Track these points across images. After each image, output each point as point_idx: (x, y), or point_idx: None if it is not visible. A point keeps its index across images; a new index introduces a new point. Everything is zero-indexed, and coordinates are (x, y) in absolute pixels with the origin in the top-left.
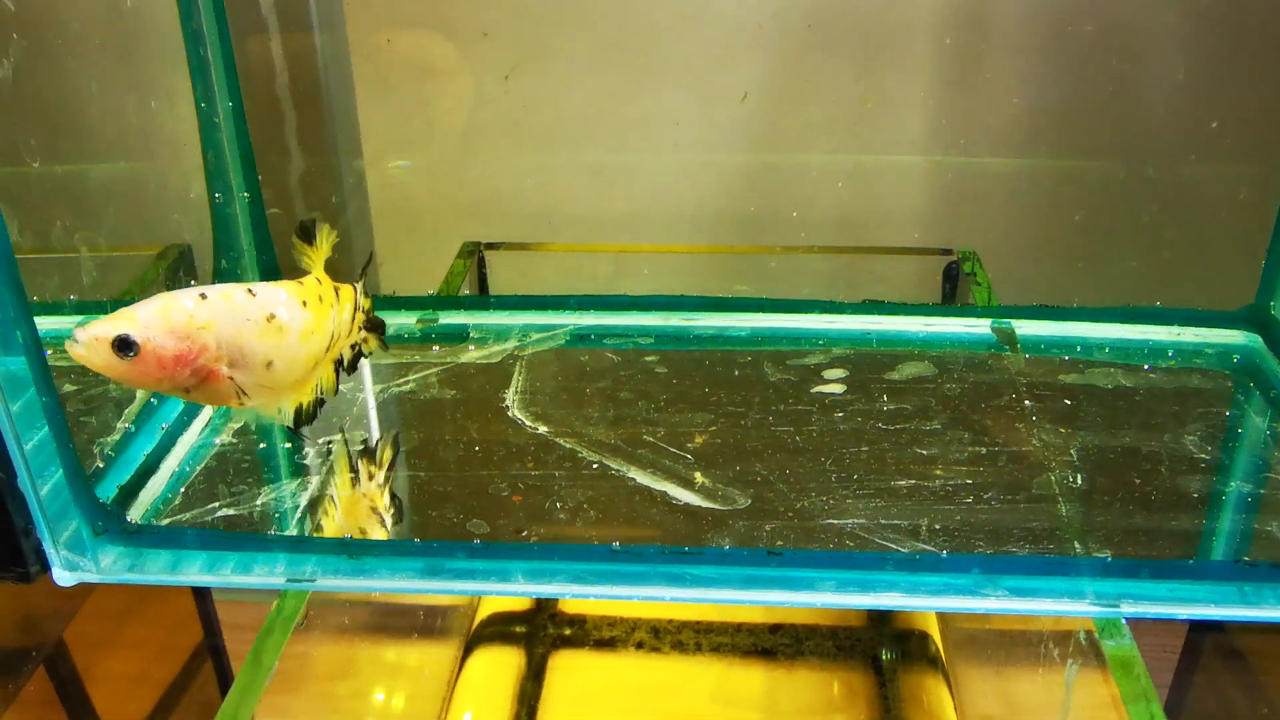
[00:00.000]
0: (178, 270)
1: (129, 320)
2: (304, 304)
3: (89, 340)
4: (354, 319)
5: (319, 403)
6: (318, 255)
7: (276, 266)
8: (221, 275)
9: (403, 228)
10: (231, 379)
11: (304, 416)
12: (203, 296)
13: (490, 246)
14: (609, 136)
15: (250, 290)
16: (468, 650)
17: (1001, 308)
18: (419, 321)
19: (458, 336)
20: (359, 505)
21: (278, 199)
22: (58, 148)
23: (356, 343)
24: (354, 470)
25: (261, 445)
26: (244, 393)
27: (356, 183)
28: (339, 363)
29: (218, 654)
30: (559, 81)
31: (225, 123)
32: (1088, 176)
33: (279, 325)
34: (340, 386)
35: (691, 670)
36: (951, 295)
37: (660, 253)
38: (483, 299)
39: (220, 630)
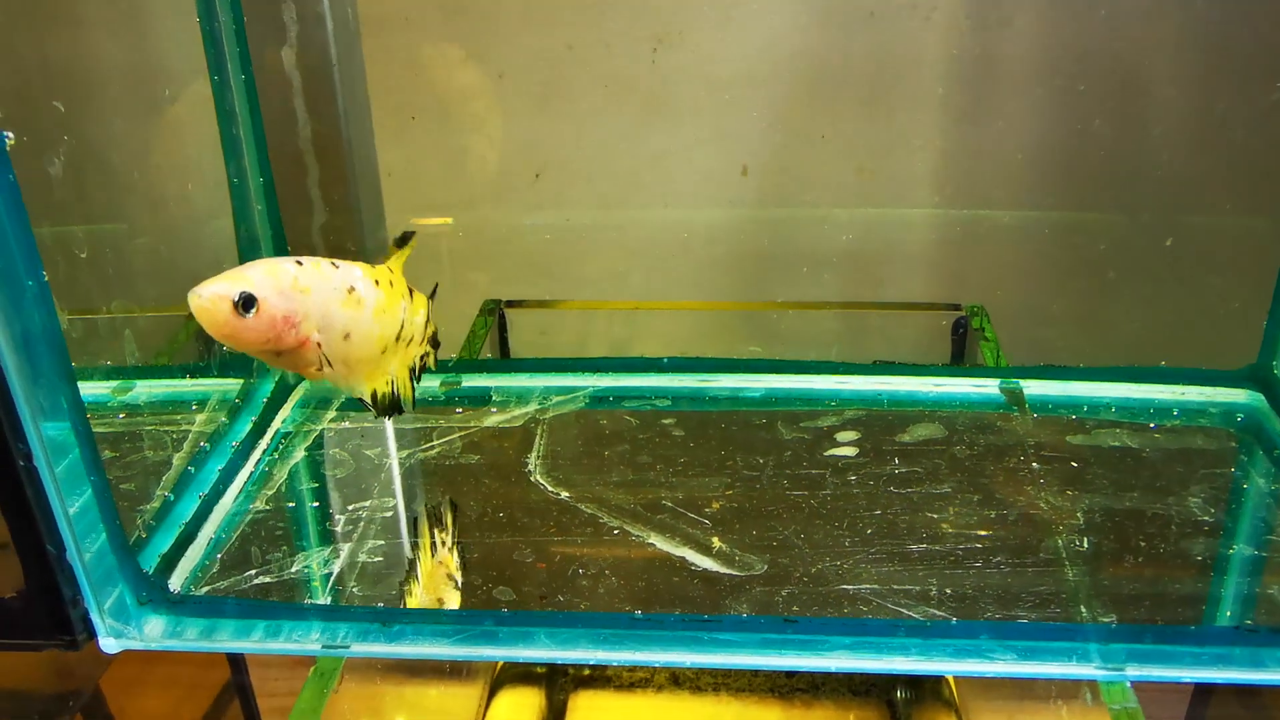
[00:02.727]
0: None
1: (246, 280)
2: (376, 283)
3: (212, 296)
4: (426, 325)
5: (396, 399)
6: (399, 256)
7: None
8: None
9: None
10: (319, 345)
11: (380, 403)
12: (299, 263)
13: (511, 304)
14: (615, 186)
15: (333, 263)
16: (492, 692)
17: (1009, 368)
18: (443, 384)
19: (480, 399)
20: (438, 573)
21: None
22: (95, 215)
23: (425, 353)
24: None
25: (292, 509)
26: (327, 362)
27: (378, 245)
28: (413, 372)
29: (244, 691)
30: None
31: (256, 197)
32: (1095, 229)
33: (357, 298)
34: (368, 452)
35: (710, 710)
36: (960, 350)
37: (674, 309)
38: (504, 362)
39: (247, 668)
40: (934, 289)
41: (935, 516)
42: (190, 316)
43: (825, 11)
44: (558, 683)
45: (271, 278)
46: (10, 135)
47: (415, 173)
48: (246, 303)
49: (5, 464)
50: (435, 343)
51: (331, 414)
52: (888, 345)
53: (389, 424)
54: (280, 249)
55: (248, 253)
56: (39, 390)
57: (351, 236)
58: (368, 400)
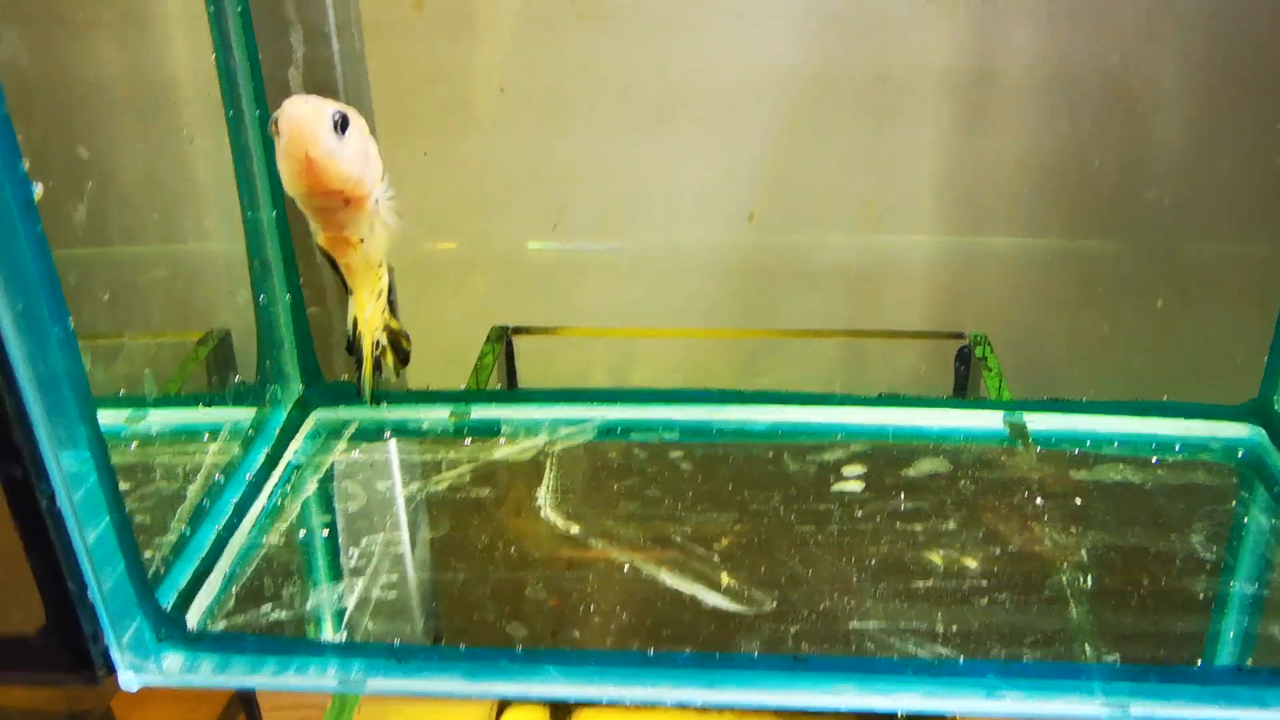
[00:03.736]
0: (219, 356)
1: (336, 105)
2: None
3: (312, 108)
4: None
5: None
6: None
7: (317, 365)
8: (265, 375)
9: (431, 311)
10: (377, 204)
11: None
12: None
13: (518, 331)
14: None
15: None
16: (500, 709)
17: (1013, 401)
18: (452, 415)
19: (490, 430)
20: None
21: (315, 297)
22: (110, 242)
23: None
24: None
25: (306, 542)
26: (361, 239)
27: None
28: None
29: (249, 703)
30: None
31: (269, 231)
32: (1097, 256)
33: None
34: (379, 485)
35: None
36: (964, 379)
37: (678, 337)
38: (513, 393)
39: None
40: (937, 315)
41: (941, 553)
42: (201, 341)
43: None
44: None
45: (354, 114)
46: (40, 187)
47: (421, 191)
48: (343, 122)
49: (29, 504)
50: (397, 346)
51: (342, 445)
52: (891, 373)
53: (394, 454)
54: (292, 279)
55: (260, 284)
56: (60, 429)
57: None
58: (361, 317)
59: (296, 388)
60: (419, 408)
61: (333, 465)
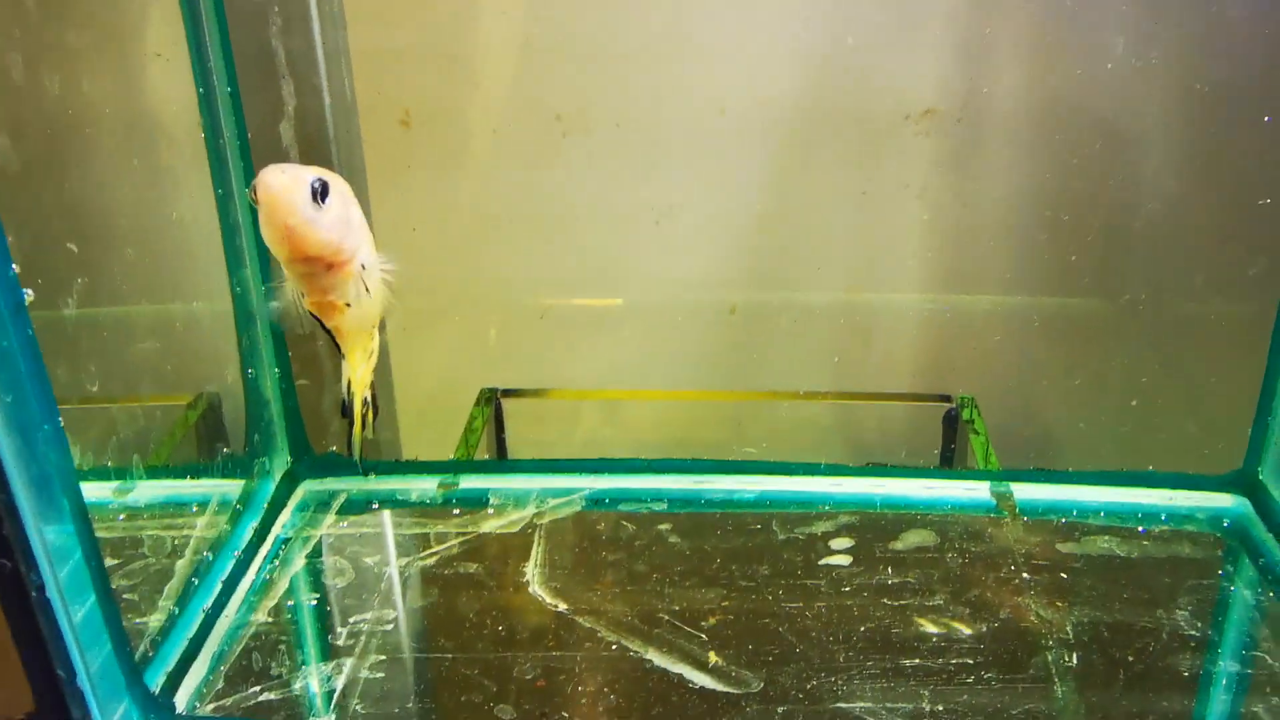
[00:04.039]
0: (209, 420)
1: (314, 172)
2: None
3: (293, 177)
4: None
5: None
6: None
7: (305, 438)
8: (254, 447)
9: (425, 375)
10: (362, 269)
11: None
12: None
13: (507, 393)
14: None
15: None
16: None
17: (1000, 471)
18: (440, 486)
19: (478, 501)
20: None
21: (304, 370)
22: (102, 326)
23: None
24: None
25: (294, 621)
26: (364, 288)
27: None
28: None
29: None
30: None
31: (259, 306)
32: (1082, 314)
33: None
34: (368, 560)
35: None
36: (950, 443)
37: (666, 400)
38: (501, 463)
39: None
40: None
41: (928, 630)
42: (191, 405)
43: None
44: None
45: (336, 180)
46: (30, 292)
47: (414, 253)
48: (322, 191)
49: (18, 594)
50: (375, 407)
51: (331, 518)
52: (880, 435)
53: (382, 528)
54: (281, 355)
55: (249, 359)
56: (49, 525)
57: None
58: (354, 378)
59: (285, 460)
60: (407, 478)
61: (321, 539)
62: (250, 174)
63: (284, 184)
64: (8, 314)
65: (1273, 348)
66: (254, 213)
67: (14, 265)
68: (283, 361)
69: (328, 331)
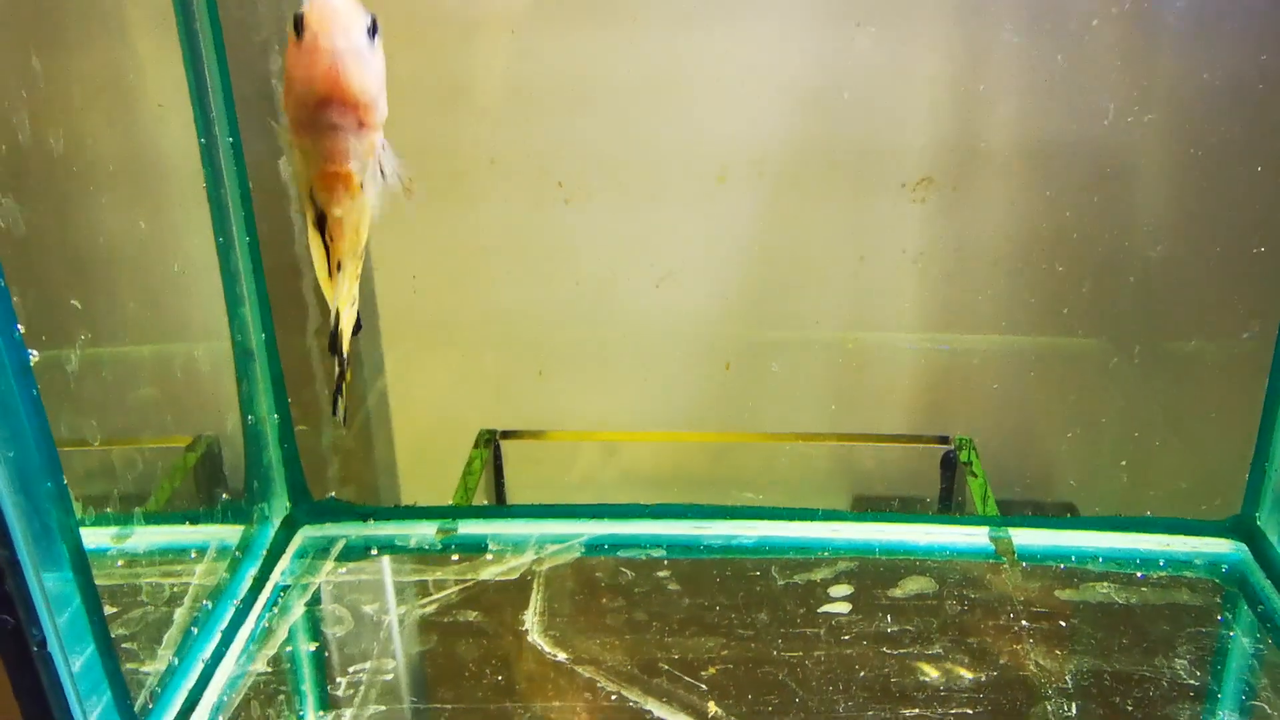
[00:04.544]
0: (208, 462)
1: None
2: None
3: (349, 4)
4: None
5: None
6: None
7: (304, 483)
8: (253, 493)
9: (423, 415)
10: (383, 150)
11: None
12: None
13: (506, 435)
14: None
15: None
16: None
17: (998, 517)
18: (439, 532)
19: (477, 547)
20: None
21: (303, 416)
22: (103, 369)
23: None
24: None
25: (293, 670)
26: (380, 172)
27: (379, 398)
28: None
29: None
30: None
31: (259, 353)
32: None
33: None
34: (367, 608)
35: None
36: (949, 485)
37: (664, 440)
38: (500, 509)
39: None
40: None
41: (927, 680)
42: (190, 447)
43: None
44: None
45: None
46: (35, 353)
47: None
48: (374, 28)
49: (20, 649)
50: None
51: (330, 564)
52: (879, 476)
53: (381, 575)
54: (281, 402)
55: (248, 406)
56: (49, 573)
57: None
58: (343, 303)
59: (284, 505)
60: (406, 523)
61: (320, 586)
62: (251, 221)
63: (341, 6)
64: (14, 375)
65: (1269, 395)
66: (256, 271)
67: (20, 325)
68: (282, 408)
69: (323, 238)
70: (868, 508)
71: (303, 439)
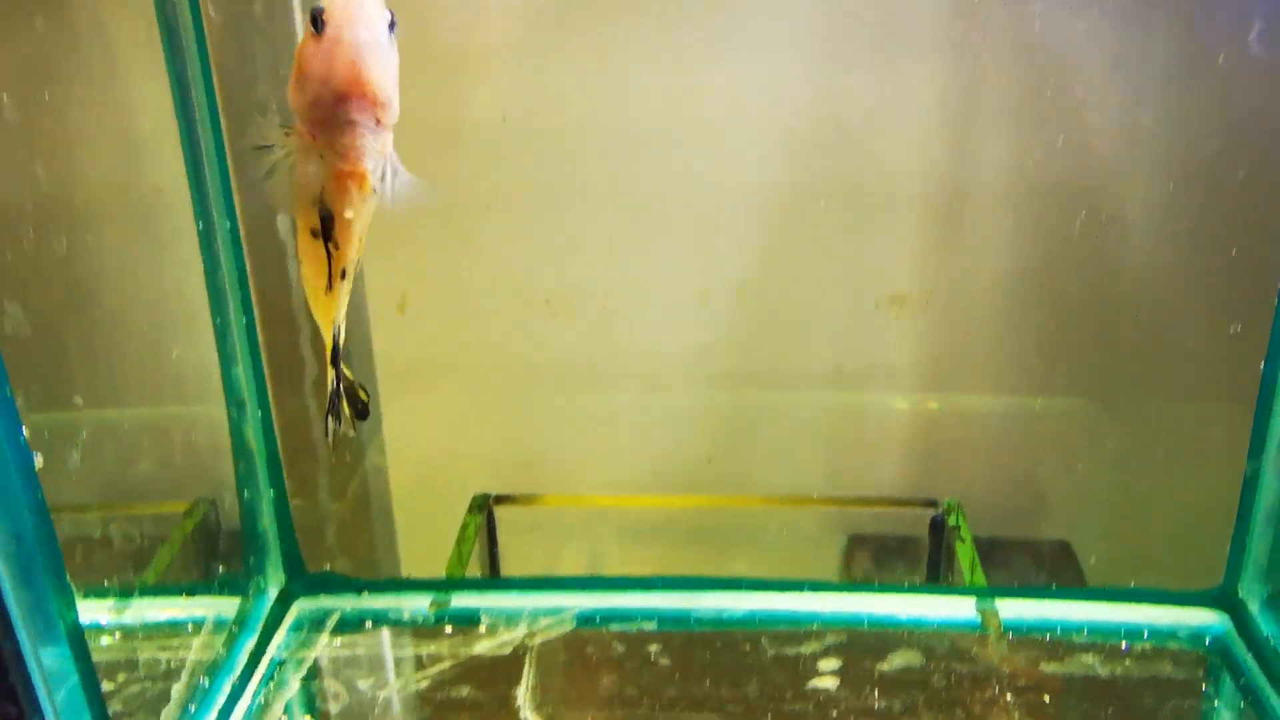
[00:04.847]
0: (205, 529)
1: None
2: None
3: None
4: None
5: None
6: None
7: (300, 557)
8: (249, 567)
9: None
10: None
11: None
12: None
13: (499, 500)
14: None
15: None
16: None
17: (985, 588)
18: (432, 604)
19: (470, 619)
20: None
21: (298, 490)
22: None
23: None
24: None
25: None
26: (391, 173)
27: (375, 472)
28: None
29: None
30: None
31: (254, 430)
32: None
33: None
34: (361, 683)
35: None
36: (937, 549)
37: (656, 506)
38: (492, 581)
39: None
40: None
41: None
42: (188, 513)
43: None
44: None
45: None
46: (40, 456)
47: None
48: (392, 26)
49: None
50: (361, 404)
51: (325, 638)
52: (872, 514)
53: (375, 648)
54: (276, 476)
55: (245, 482)
56: (45, 649)
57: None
58: (340, 310)
59: (280, 578)
60: (400, 596)
61: (315, 661)
62: (249, 303)
63: (367, 1)
64: (18, 479)
65: (1249, 467)
66: (253, 348)
67: (24, 429)
68: (277, 483)
69: (326, 246)
70: (863, 546)
71: (298, 514)
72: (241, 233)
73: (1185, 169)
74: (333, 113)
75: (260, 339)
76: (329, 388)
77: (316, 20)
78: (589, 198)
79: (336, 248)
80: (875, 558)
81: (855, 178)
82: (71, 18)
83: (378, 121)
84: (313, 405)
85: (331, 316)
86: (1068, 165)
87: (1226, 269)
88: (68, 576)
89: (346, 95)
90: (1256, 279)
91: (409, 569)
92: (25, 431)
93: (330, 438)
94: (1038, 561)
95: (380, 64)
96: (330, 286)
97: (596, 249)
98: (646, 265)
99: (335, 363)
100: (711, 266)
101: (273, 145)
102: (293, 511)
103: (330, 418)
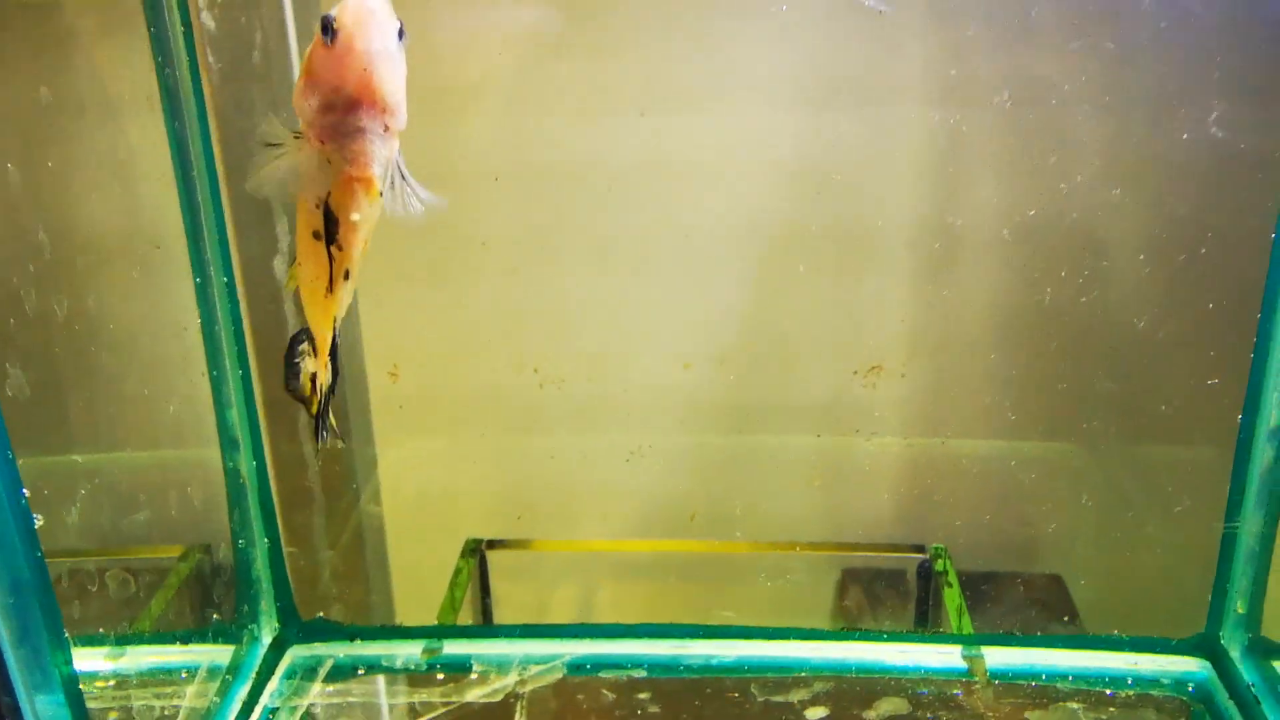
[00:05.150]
0: (200, 575)
1: None
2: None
3: (380, 4)
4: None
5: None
6: None
7: (293, 605)
8: (242, 615)
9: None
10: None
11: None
12: None
13: (491, 545)
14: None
15: None
16: None
17: (972, 635)
18: (424, 652)
19: (461, 667)
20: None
21: (292, 538)
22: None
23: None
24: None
25: None
26: (400, 173)
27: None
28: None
29: None
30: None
31: (249, 478)
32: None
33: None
34: None
35: None
36: (925, 595)
37: (648, 550)
38: (484, 629)
39: None
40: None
41: None
42: (182, 558)
43: None
44: None
45: None
46: (40, 518)
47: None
48: (402, 32)
49: None
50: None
51: (318, 685)
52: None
53: (368, 696)
54: (271, 525)
55: (240, 531)
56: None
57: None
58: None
59: (274, 626)
60: (392, 643)
61: (309, 709)
62: (246, 362)
63: (375, 8)
64: (19, 540)
65: (1228, 514)
66: (249, 403)
67: (24, 490)
68: (272, 532)
69: (329, 250)
70: (856, 580)
71: (292, 562)
72: (239, 287)
73: (1164, 226)
74: (342, 119)
75: (255, 389)
76: (320, 391)
77: (327, 28)
78: (578, 249)
79: (340, 250)
80: (868, 591)
81: (845, 227)
82: (75, 86)
83: (386, 128)
84: (308, 450)
85: (330, 317)
86: (1056, 216)
87: (1205, 321)
88: (64, 630)
89: (357, 102)
90: (1240, 332)
91: (403, 612)
92: (26, 492)
93: (322, 445)
94: (1029, 598)
95: (390, 72)
96: (331, 289)
97: (585, 307)
98: (637, 316)
99: (334, 358)
100: (700, 314)
101: (281, 145)
102: (287, 559)
103: (322, 422)
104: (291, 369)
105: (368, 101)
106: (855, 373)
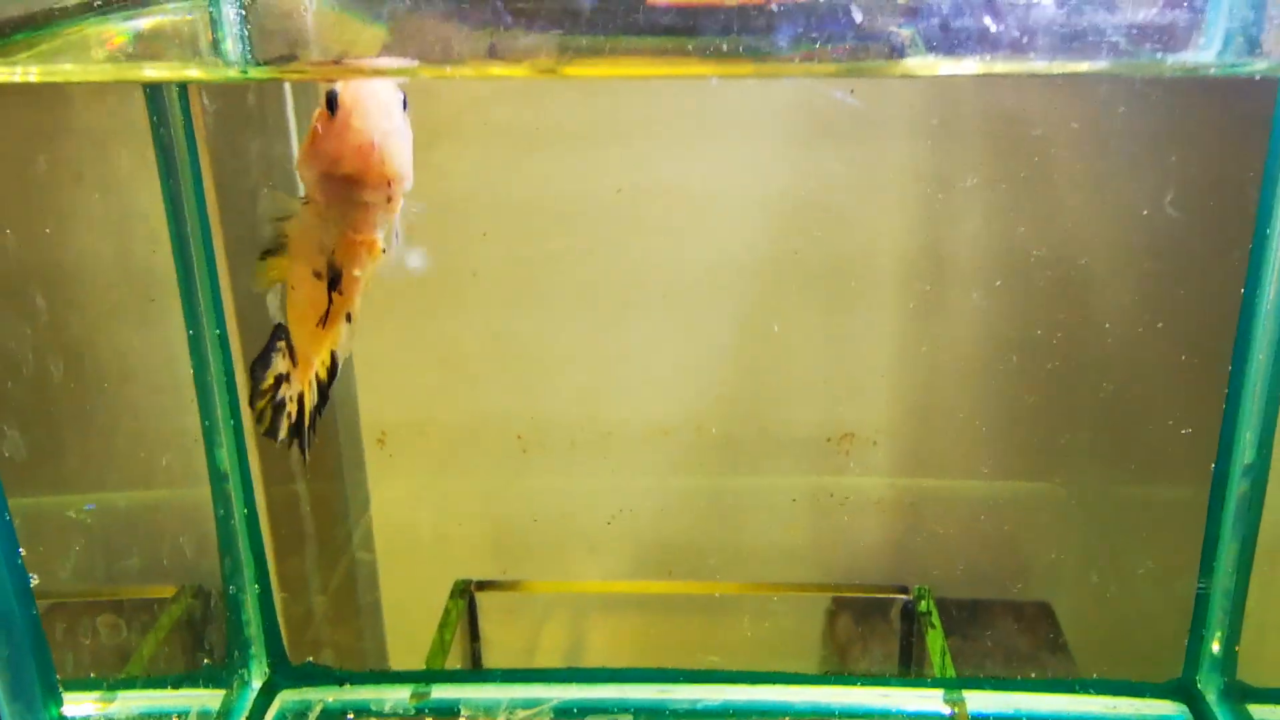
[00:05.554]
0: (191, 617)
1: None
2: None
3: (384, 85)
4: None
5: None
6: None
7: (284, 650)
8: (233, 660)
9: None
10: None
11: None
12: None
13: (481, 586)
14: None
15: None
16: None
17: (953, 679)
18: (413, 696)
19: (449, 710)
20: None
21: (283, 584)
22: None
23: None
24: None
25: None
26: (395, 235)
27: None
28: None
29: None
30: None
31: (240, 527)
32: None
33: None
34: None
35: None
36: (909, 636)
37: (636, 591)
38: (472, 673)
39: None
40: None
41: None
42: (174, 599)
43: None
44: None
45: None
46: (35, 577)
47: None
48: (405, 104)
49: None
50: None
51: None
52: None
53: None
54: (262, 572)
55: (231, 577)
56: None
57: (338, 501)
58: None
59: (264, 671)
60: (381, 688)
61: None
62: (238, 411)
63: (378, 86)
64: (15, 600)
65: (1203, 560)
66: (238, 442)
67: (20, 549)
68: (263, 579)
69: (330, 292)
70: (845, 609)
71: (283, 608)
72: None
73: (1147, 276)
74: (347, 192)
75: (246, 439)
76: (309, 406)
77: (331, 103)
78: (567, 290)
79: (341, 295)
80: (857, 621)
81: (833, 266)
82: (74, 151)
83: (389, 199)
84: (301, 490)
85: (319, 346)
86: (1040, 253)
87: (1184, 366)
88: (58, 685)
89: (361, 181)
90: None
91: (395, 654)
92: (22, 551)
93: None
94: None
95: (393, 149)
96: (325, 325)
97: (578, 356)
98: (628, 347)
99: (332, 379)
100: (690, 351)
101: (290, 215)
102: (278, 604)
103: (305, 433)
104: (264, 360)
105: (374, 180)
106: (833, 435)
